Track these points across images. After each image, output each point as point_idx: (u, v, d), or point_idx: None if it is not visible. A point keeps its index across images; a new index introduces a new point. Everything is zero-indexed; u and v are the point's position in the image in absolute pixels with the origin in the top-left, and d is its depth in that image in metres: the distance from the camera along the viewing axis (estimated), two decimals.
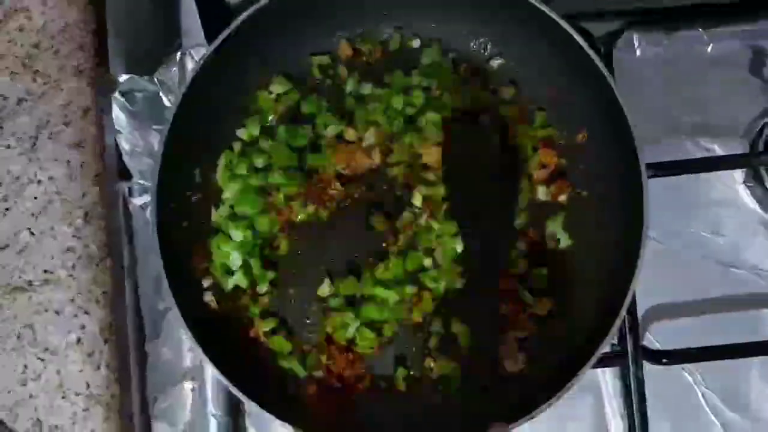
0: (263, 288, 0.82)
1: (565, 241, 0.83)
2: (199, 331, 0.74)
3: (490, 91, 0.86)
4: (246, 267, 0.81)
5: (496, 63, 0.86)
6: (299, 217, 0.83)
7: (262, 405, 0.73)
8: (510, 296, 0.81)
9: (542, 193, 0.84)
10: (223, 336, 0.79)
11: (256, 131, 0.84)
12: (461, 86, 0.85)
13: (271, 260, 0.83)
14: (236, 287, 0.82)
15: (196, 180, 0.82)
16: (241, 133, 0.84)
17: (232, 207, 0.83)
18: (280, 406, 0.74)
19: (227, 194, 0.83)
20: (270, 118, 0.85)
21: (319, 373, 0.81)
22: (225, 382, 0.72)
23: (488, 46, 0.86)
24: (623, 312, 0.72)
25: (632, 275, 0.73)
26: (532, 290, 0.82)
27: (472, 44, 0.87)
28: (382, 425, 0.79)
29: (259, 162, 0.83)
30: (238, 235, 0.81)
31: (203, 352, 0.73)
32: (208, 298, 0.80)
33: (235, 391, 0.72)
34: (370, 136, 0.83)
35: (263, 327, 0.81)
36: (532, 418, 0.72)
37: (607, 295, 0.76)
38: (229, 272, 0.81)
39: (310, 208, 0.83)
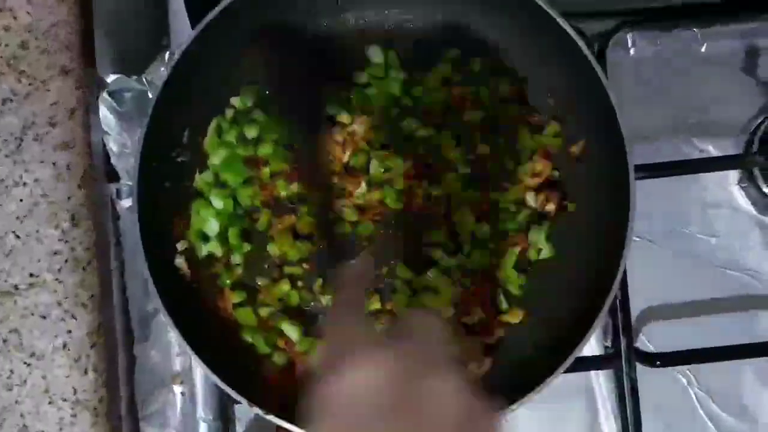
0: (237, 259, 0.81)
1: (546, 252, 0.81)
2: (170, 301, 0.73)
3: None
4: (222, 235, 0.81)
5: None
6: (282, 193, 0.82)
7: (227, 381, 0.72)
8: (486, 301, 0.81)
9: (531, 200, 0.82)
10: (194, 308, 0.79)
11: (250, 102, 0.83)
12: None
13: (249, 232, 0.82)
14: (210, 255, 0.81)
15: (183, 140, 0.81)
16: (235, 101, 0.83)
17: (217, 174, 0.82)
18: (244, 384, 0.73)
19: (213, 160, 0.82)
20: (267, 91, 0.84)
21: (282, 356, 0.80)
22: (189, 351, 0.71)
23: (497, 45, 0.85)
24: (596, 324, 0.72)
25: (611, 286, 0.72)
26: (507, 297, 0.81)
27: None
28: None
29: (251, 132, 0.82)
30: (219, 202, 0.81)
31: (170, 317, 0.72)
32: (180, 262, 0.79)
33: (196, 359, 0.71)
34: (361, 122, 0.82)
35: (233, 298, 0.80)
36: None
37: (584, 305, 0.75)
38: (205, 238, 0.81)
39: (294, 187, 0.82)
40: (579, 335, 0.72)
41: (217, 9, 0.76)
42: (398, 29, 0.86)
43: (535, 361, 0.77)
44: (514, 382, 0.76)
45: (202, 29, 0.76)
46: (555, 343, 0.76)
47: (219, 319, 0.80)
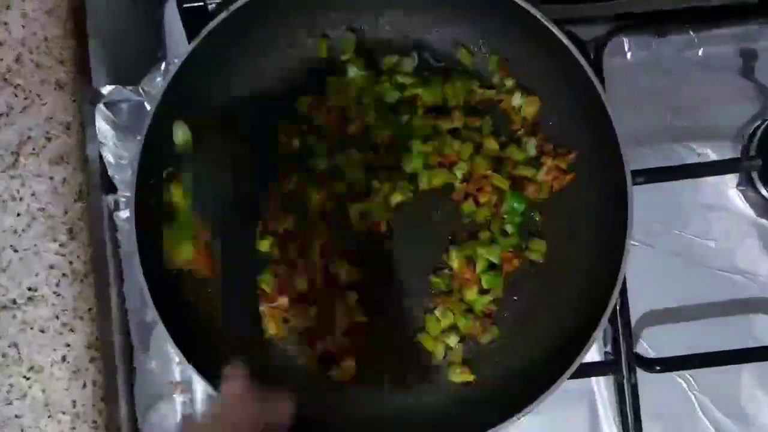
0: None
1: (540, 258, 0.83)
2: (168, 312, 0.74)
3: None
4: None
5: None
6: None
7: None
8: None
9: (531, 149, 0.83)
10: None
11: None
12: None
13: None
14: None
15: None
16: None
17: None
18: None
19: None
20: None
21: None
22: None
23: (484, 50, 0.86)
24: (596, 333, 0.72)
25: (611, 295, 0.73)
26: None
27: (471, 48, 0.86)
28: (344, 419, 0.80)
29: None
30: None
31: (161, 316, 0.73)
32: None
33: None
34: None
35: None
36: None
37: (586, 312, 0.76)
38: None
39: None
40: (581, 343, 0.72)
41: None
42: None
43: (538, 369, 0.78)
44: (517, 391, 0.76)
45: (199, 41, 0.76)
46: (557, 351, 0.77)
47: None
